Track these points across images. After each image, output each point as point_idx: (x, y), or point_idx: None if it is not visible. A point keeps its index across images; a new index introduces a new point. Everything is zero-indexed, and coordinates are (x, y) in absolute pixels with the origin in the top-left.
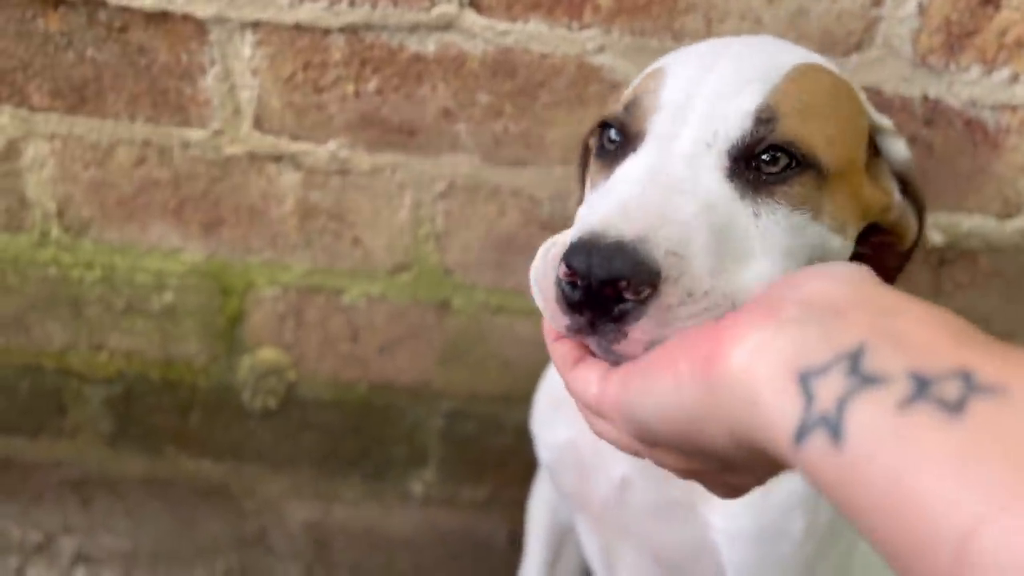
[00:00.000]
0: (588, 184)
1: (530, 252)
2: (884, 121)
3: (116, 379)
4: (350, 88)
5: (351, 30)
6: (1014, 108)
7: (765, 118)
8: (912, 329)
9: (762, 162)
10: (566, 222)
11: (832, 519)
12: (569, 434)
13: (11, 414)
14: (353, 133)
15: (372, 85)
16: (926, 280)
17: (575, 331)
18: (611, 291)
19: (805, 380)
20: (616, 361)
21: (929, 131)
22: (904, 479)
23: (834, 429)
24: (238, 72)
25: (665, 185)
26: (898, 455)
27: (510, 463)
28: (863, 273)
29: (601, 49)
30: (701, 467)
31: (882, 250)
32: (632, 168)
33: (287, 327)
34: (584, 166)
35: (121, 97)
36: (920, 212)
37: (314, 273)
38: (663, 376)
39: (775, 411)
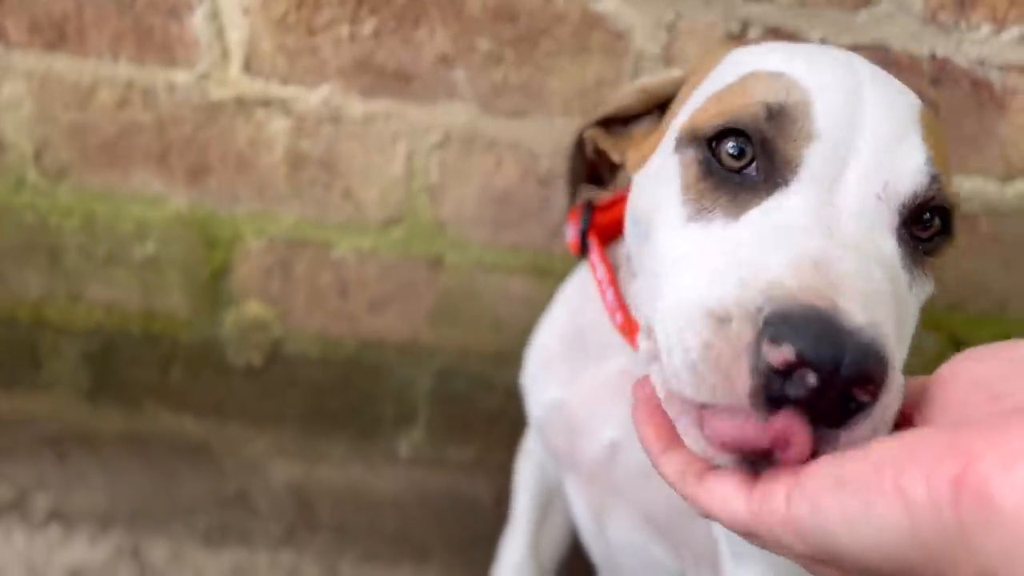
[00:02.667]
0: (675, 196)
1: (527, 208)
2: None
3: (95, 332)
4: (345, 30)
5: None
6: (1021, 69)
7: (935, 173)
8: None
9: (921, 224)
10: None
11: None
12: (559, 394)
13: None
14: (346, 78)
15: (368, 28)
16: None
17: (756, 444)
18: (840, 398)
19: None
20: (755, 472)
21: (936, 90)
22: None
23: None
24: (227, 11)
25: (849, 245)
26: None
27: (498, 424)
28: None
29: None
30: None
31: None
32: (796, 212)
33: (274, 281)
34: (574, 164)
35: (103, 35)
36: None
37: (303, 225)
38: (887, 501)
39: None
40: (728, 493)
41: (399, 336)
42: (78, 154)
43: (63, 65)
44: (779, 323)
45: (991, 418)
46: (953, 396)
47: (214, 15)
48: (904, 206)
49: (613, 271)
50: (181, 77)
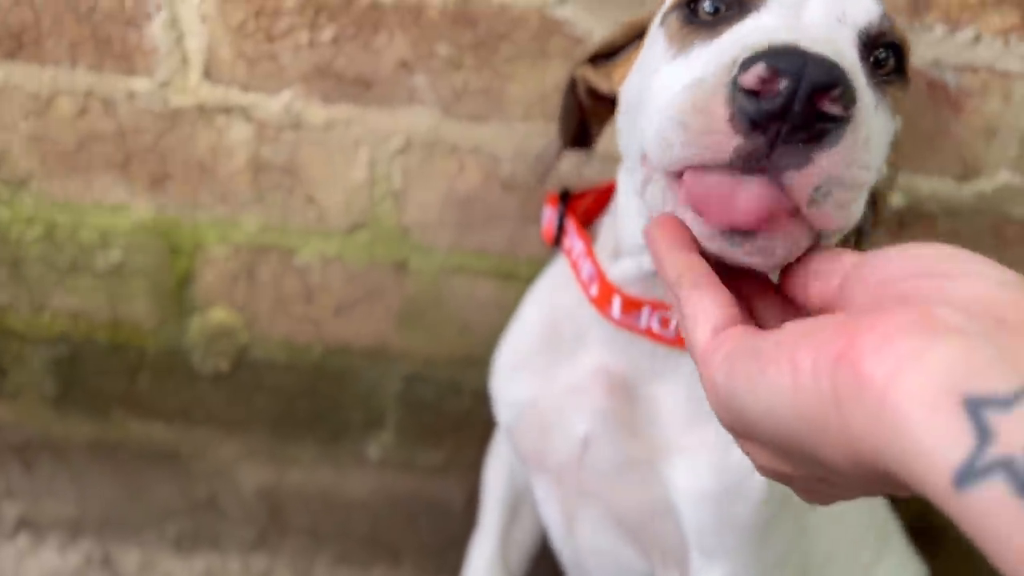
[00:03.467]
0: (661, 53)
1: (491, 212)
2: None
3: (60, 340)
4: (304, 37)
5: None
6: (975, 69)
7: (885, 13)
8: None
9: (877, 57)
10: (528, 181)
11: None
12: (531, 392)
13: None
14: (307, 84)
15: (327, 34)
16: (885, 243)
17: (742, 158)
18: (810, 106)
19: (976, 411)
20: (774, 209)
21: None
22: None
23: (1022, 481)
24: (186, 19)
25: (818, 39)
26: None
27: (468, 426)
28: (1012, 275)
29: (563, 1)
30: (794, 472)
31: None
32: (765, 21)
33: (239, 287)
34: (568, 110)
35: (61, 43)
36: (895, 169)
37: (266, 231)
38: (779, 369)
39: (928, 442)
40: (706, 314)
41: (366, 341)
42: (38, 163)
43: (21, 74)
44: (769, 51)
45: (877, 305)
46: (860, 289)
47: (173, 23)
48: (860, 33)
49: (590, 245)
50: (141, 85)
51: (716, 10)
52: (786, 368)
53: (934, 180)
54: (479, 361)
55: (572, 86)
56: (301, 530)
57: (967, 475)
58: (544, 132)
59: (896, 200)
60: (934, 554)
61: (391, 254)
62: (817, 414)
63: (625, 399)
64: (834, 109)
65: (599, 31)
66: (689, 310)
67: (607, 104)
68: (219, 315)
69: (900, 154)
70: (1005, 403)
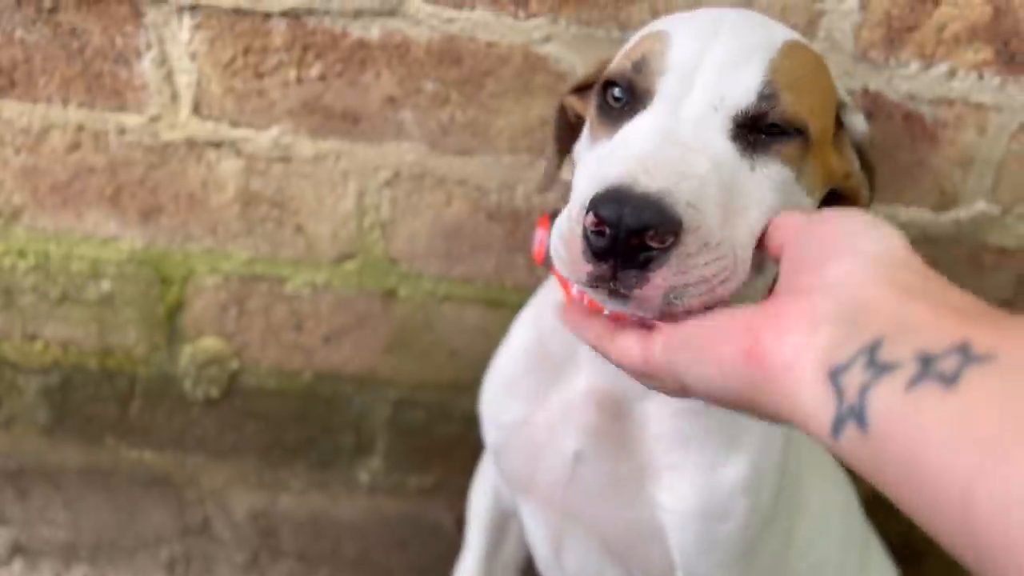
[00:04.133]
0: (584, 141)
1: (477, 241)
2: (846, 96)
3: (52, 369)
4: (292, 74)
5: (293, 15)
6: (951, 102)
7: (767, 93)
8: (923, 311)
9: (761, 128)
10: (513, 212)
11: (773, 502)
12: (521, 414)
13: None
14: (295, 119)
15: (315, 71)
16: None
17: (595, 280)
18: (637, 240)
19: (835, 376)
20: (640, 318)
21: (869, 124)
22: (916, 452)
23: (859, 418)
24: (176, 56)
25: (679, 143)
26: (908, 432)
27: (457, 450)
28: (888, 245)
29: (548, 39)
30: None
31: None
32: (644, 125)
33: (229, 316)
34: (561, 130)
35: (53, 80)
36: (871, 179)
37: (256, 262)
38: (708, 361)
39: (813, 409)
40: (629, 345)
41: (355, 367)
42: (31, 196)
43: (13, 110)
44: (598, 198)
45: (784, 296)
46: (792, 254)
47: (162, 60)
48: (740, 114)
49: None
50: (131, 120)
51: (619, 99)
52: (714, 360)
53: (912, 210)
54: (468, 386)
55: (563, 109)
56: (293, 554)
57: (837, 427)
58: (529, 164)
59: None
60: (916, 573)
61: (379, 283)
62: (741, 391)
63: (615, 417)
64: (653, 243)
65: (581, 67)
66: (614, 356)
67: None
68: (210, 343)
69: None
70: (848, 366)
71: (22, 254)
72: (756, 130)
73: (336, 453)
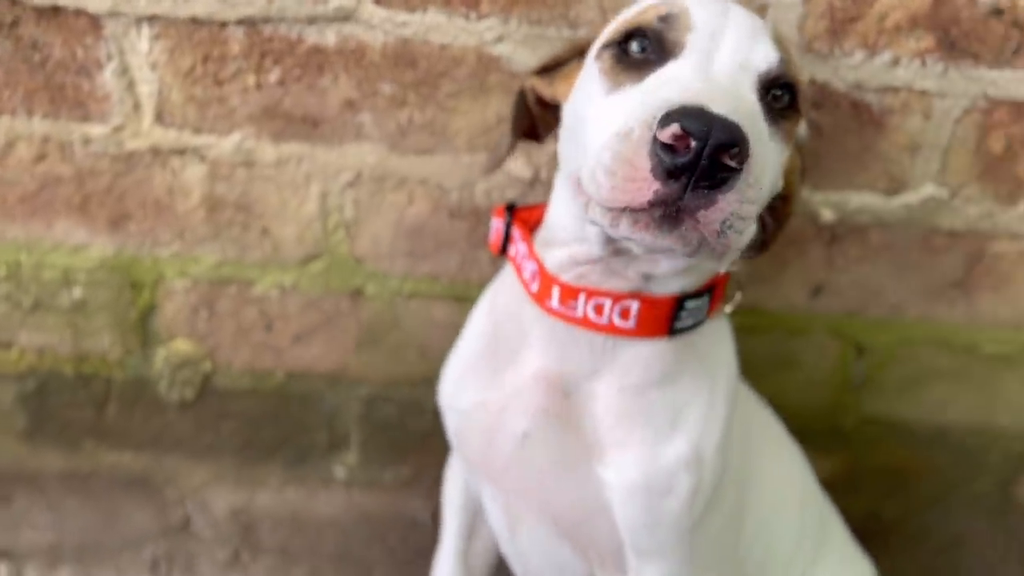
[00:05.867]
0: (596, 87)
1: (441, 239)
2: None
3: (28, 375)
4: (251, 80)
5: (249, 23)
6: (896, 90)
7: (783, 59)
8: None
9: (774, 95)
10: (475, 209)
11: (716, 479)
12: (477, 397)
13: None
14: (257, 125)
15: (273, 77)
16: (819, 256)
17: (659, 201)
18: (718, 157)
19: None
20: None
21: (818, 113)
22: None
23: None
24: (136, 66)
25: (723, 86)
26: None
27: (431, 443)
28: None
29: (500, 39)
30: None
31: (771, 211)
32: (686, 68)
33: (200, 319)
34: (519, 114)
35: (16, 93)
36: (803, 176)
37: (224, 265)
38: None
39: None
40: None
41: (326, 366)
42: (0, 207)
43: None
44: (680, 111)
45: None
46: None
47: (123, 70)
48: (762, 75)
49: (532, 248)
50: (96, 130)
51: (643, 49)
52: None
53: (864, 195)
54: (438, 380)
55: (523, 96)
56: (273, 549)
57: None
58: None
59: (827, 215)
60: (882, 550)
61: (346, 282)
62: None
63: (563, 397)
64: (732, 163)
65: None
66: None
67: (552, 111)
68: (182, 346)
69: (821, 171)
70: None
71: None
72: (770, 100)
73: (311, 450)
